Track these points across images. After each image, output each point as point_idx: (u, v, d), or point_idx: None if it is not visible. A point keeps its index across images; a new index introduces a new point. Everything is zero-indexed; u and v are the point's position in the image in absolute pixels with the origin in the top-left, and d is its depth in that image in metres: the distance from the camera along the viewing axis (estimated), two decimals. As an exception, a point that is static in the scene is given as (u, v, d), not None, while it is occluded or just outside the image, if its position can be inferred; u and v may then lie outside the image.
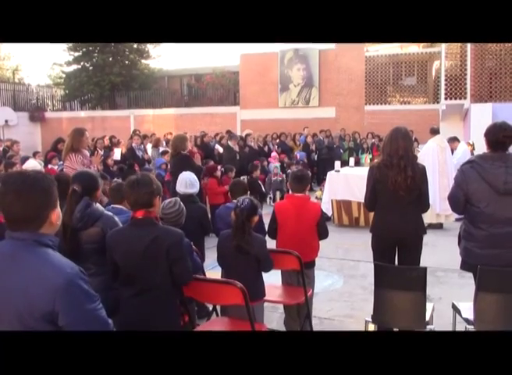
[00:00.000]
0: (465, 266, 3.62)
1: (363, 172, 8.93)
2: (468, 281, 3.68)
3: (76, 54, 24.01)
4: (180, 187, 4.65)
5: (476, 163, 3.47)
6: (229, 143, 11.96)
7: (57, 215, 1.76)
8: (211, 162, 9.61)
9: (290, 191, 4.51)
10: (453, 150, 9.55)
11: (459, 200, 3.56)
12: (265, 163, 12.48)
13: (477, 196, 3.44)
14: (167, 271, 2.79)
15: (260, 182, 10.93)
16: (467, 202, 3.50)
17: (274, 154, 13.36)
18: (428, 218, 8.00)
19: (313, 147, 14.65)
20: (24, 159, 9.43)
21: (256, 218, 3.60)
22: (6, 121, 20.26)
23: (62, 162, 6.88)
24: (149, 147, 12.33)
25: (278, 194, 11.60)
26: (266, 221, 4.20)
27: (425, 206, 3.90)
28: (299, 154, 14.02)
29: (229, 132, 13.80)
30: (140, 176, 2.88)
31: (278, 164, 12.69)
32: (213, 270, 4.87)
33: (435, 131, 8.79)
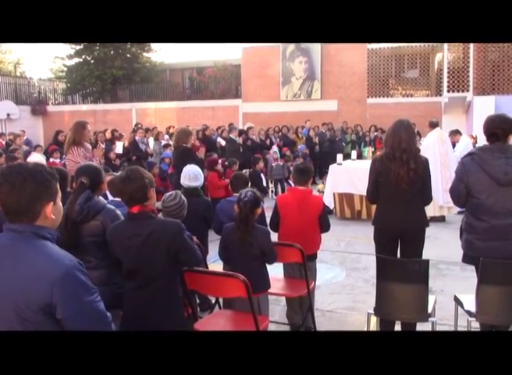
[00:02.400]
0: (466, 258, 3.62)
1: (365, 165, 8.91)
2: (470, 274, 3.69)
3: (78, 47, 23.96)
4: (184, 180, 4.65)
5: (476, 155, 3.48)
6: (231, 135, 11.95)
7: (52, 209, 1.74)
8: (215, 155, 9.61)
9: (293, 184, 4.51)
10: (455, 143, 9.52)
11: (460, 193, 3.57)
12: (268, 156, 12.48)
13: (477, 188, 3.45)
14: (167, 263, 2.79)
15: (262, 175, 10.93)
16: (468, 194, 3.51)
17: (274, 147, 13.30)
18: (430, 211, 7.99)
19: (315, 140, 14.63)
20: (27, 153, 9.45)
21: (259, 210, 3.61)
22: (8, 115, 20.26)
23: (64, 156, 6.89)
24: (151, 140, 12.33)
25: (279, 187, 11.63)
26: (268, 214, 4.20)
27: (428, 199, 3.90)
28: (300, 147, 13.99)
29: (231, 125, 13.78)
30: (130, 172, 2.84)
31: (277, 149, 12.66)
32: (216, 263, 4.88)
33: (434, 125, 8.78)
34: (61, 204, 1.82)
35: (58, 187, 1.80)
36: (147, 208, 2.82)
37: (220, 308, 4.08)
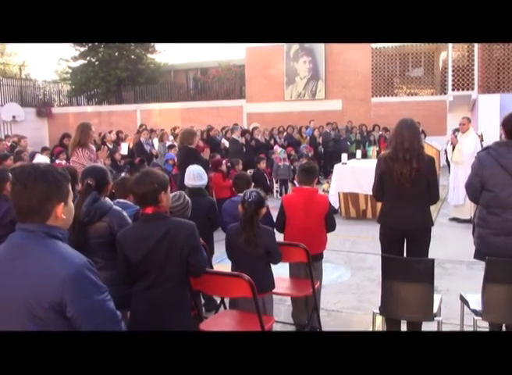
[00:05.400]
0: (479, 255, 3.62)
1: (370, 164, 8.90)
2: (476, 273, 3.68)
3: (82, 49, 24.05)
4: (188, 180, 4.66)
5: (492, 149, 3.53)
6: (234, 136, 11.97)
7: (63, 209, 1.75)
8: (218, 156, 9.62)
9: (298, 184, 4.51)
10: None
11: (475, 187, 3.59)
12: (273, 156, 12.46)
13: (493, 181, 3.47)
14: (179, 263, 2.79)
15: (266, 175, 10.92)
16: (483, 188, 3.52)
17: (276, 147, 13.27)
18: (466, 213, 7.81)
19: (320, 140, 14.61)
20: (32, 154, 9.49)
21: (264, 210, 3.61)
22: (14, 117, 20.36)
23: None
24: (156, 141, 12.35)
25: (284, 189, 11.63)
26: (273, 214, 4.20)
27: (434, 198, 3.90)
28: (301, 147, 13.91)
29: (233, 125, 13.78)
30: (141, 175, 2.86)
31: (282, 150, 12.60)
32: (221, 263, 4.90)
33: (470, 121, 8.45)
34: (72, 204, 1.84)
35: (70, 187, 1.81)
36: (161, 209, 2.83)
37: (225, 308, 4.08)
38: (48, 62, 63.81)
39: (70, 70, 25.60)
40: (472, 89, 15.99)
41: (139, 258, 2.81)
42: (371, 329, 3.75)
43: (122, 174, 6.12)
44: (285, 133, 15.04)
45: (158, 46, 25.07)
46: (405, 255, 3.87)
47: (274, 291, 3.71)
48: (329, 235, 4.29)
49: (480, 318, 3.37)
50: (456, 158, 8.02)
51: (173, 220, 2.88)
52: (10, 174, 3.81)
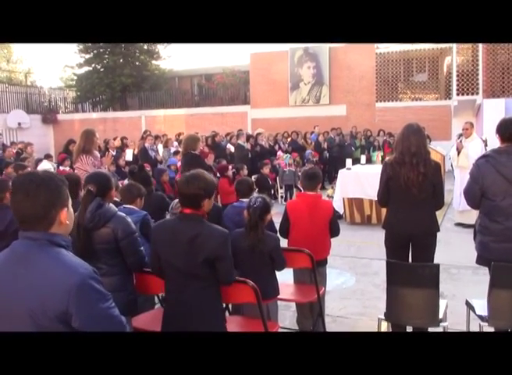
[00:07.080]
0: (481, 260, 3.60)
1: (374, 169, 8.90)
2: (482, 278, 3.66)
3: (87, 56, 24.22)
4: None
5: (491, 157, 3.49)
6: (240, 141, 11.98)
7: (66, 215, 1.76)
8: (224, 162, 9.62)
9: (302, 190, 4.51)
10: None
11: (475, 194, 3.56)
12: (276, 162, 12.47)
13: (493, 190, 3.45)
14: (204, 266, 2.79)
15: (270, 180, 10.92)
16: (483, 196, 3.50)
17: (279, 153, 13.26)
18: (474, 218, 7.76)
19: (324, 145, 14.62)
20: (38, 161, 9.54)
21: (269, 216, 3.61)
22: (19, 124, 20.47)
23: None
24: (160, 147, 12.38)
25: (289, 194, 11.62)
26: (277, 220, 4.19)
27: (439, 203, 3.89)
28: (307, 153, 13.89)
29: (239, 131, 13.81)
30: (191, 176, 2.86)
31: (288, 155, 12.57)
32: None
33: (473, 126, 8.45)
34: (72, 210, 1.84)
35: (68, 192, 1.81)
36: (199, 212, 2.83)
37: (230, 313, 4.07)
38: (54, 69, 64.23)
39: (75, 77, 25.78)
40: (477, 94, 15.95)
41: (168, 252, 2.84)
42: (376, 335, 3.73)
43: (125, 181, 6.12)
44: (289, 139, 15.05)
45: (163, 52, 25.24)
46: (410, 260, 3.85)
47: (278, 296, 3.70)
48: (334, 240, 4.28)
49: (486, 323, 3.35)
50: (463, 162, 8.00)
51: (208, 226, 2.86)
52: (10, 184, 3.82)
